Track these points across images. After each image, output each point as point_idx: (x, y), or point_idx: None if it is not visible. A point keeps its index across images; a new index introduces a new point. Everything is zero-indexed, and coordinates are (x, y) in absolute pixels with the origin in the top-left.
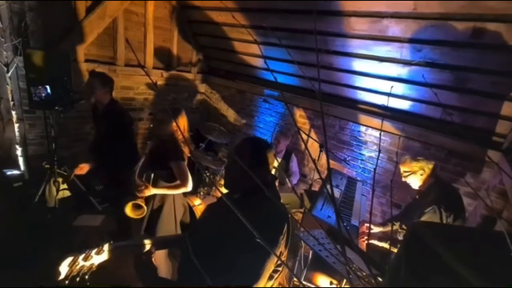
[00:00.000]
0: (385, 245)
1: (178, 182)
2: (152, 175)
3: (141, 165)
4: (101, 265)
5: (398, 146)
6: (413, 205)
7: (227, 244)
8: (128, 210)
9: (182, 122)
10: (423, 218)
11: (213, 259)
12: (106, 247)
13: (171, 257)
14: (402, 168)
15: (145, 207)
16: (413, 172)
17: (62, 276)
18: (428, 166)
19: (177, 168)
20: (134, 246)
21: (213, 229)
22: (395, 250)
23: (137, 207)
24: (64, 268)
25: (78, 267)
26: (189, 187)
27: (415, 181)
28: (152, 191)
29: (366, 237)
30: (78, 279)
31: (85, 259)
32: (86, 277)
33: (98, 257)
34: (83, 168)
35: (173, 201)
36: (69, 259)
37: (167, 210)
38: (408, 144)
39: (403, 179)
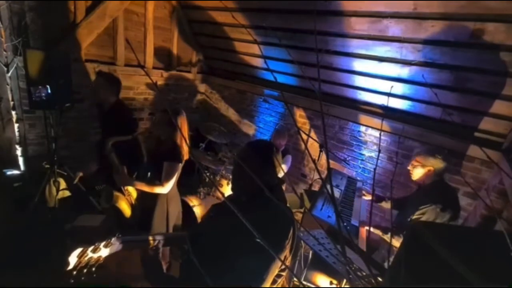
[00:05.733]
0: (386, 237)
1: (158, 182)
2: (135, 173)
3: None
4: (105, 264)
5: (398, 146)
6: (413, 200)
7: (232, 246)
8: (105, 198)
9: (183, 124)
10: (418, 213)
11: (217, 260)
12: (114, 240)
13: (172, 256)
14: (416, 158)
15: (117, 198)
16: (423, 166)
17: (71, 267)
18: (439, 165)
19: (167, 168)
20: (142, 241)
21: (218, 230)
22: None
23: (112, 196)
24: (73, 259)
25: (86, 258)
26: (165, 190)
27: (419, 175)
28: (127, 181)
29: (367, 227)
30: (85, 270)
31: (93, 251)
32: (93, 269)
33: (106, 249)
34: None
35: (166, 201)
36: (78, 250)
37: (160, 210)
38: (408, 144)
39: (409, 167)
